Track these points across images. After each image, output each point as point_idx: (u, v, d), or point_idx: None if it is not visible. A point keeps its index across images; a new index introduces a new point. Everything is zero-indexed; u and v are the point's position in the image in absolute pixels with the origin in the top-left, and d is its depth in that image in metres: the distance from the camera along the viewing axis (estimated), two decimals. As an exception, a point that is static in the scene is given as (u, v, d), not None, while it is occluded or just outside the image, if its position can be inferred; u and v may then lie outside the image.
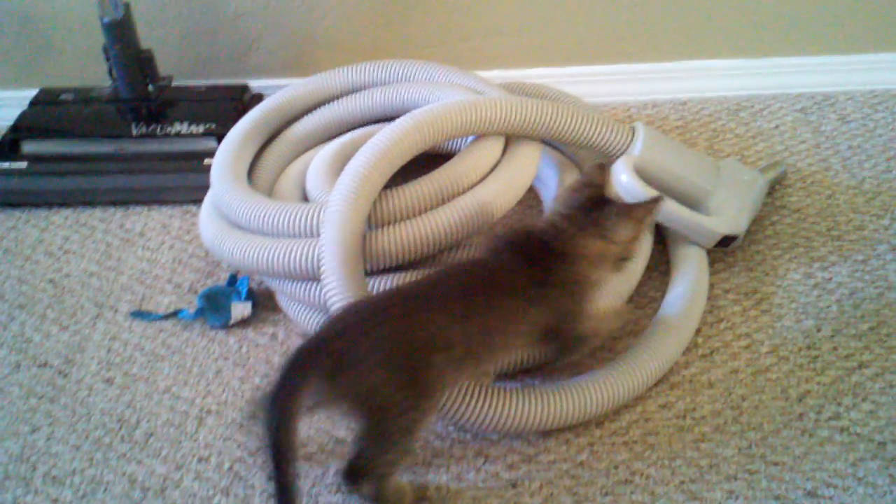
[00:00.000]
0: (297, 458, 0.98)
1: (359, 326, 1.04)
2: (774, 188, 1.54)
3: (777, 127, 1.70)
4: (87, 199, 1.63)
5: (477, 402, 1.12)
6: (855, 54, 1.79)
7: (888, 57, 1.78)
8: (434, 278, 1.13)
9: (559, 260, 1.11)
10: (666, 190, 1.37)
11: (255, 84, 1.81)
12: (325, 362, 1.01)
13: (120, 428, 1.24)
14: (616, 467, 1.14)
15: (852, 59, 1.79)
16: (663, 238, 1.45)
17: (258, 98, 1.73)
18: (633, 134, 1.39)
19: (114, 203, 1.63)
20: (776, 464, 1.12)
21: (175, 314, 1.39)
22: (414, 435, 1.05)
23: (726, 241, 1.39)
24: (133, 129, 1.64)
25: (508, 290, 1.09)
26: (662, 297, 1.36)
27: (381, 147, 1.24)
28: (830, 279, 1.37)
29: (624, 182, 1.34)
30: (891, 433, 1.15)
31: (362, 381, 1.01)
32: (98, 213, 1.62)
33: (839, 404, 1.19)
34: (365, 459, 1.05)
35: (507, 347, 1.14)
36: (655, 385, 1.22)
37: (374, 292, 1.20)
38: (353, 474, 1.06)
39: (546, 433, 1.18)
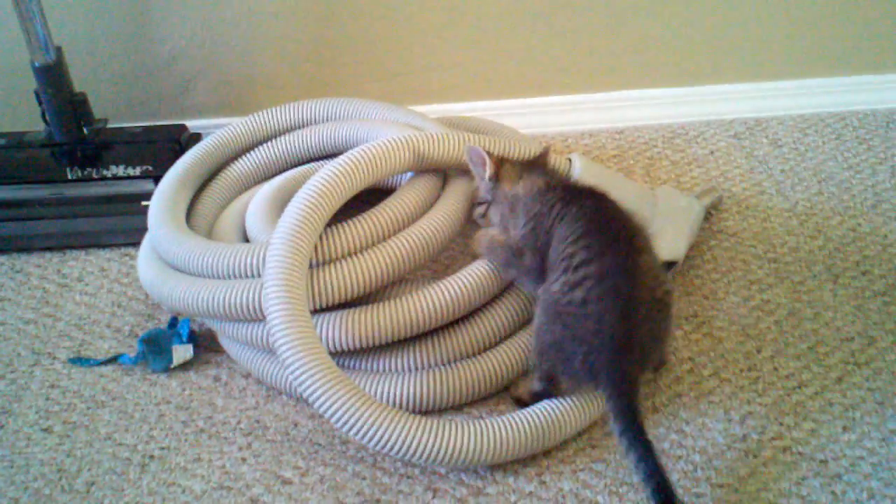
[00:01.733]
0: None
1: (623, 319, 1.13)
2: (711, 213, 1.57)
3: (712, 153, 1.74)
4: (22, 245, 1.60)
5: (425, 435, 1.12)
6: (784, 80, 1.84)
7: (816, 82, 1.83)
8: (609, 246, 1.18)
9: None
10: (605, 218, 1.38)
11: (193, 124, 1.80)
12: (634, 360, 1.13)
13: (60, 478, 1.20)
14: (564, 496, 1.14)
15: (781, 85, 1.84)
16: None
17: (196, 138, 1.71)
18: (570, 165, 1.40)
19: (50, 248, 1.60)
20: (721, 486, 1.13)
21: (115, 359, 1.37)
22: None
23: (666, 267, 1.40)
24: (68, 172, 1.62)
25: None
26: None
27: (321, 187, 1.24)
28: (769, 301, 1.39)
29: (563, 211, 1.36)
30: (831, 451, 1.16)
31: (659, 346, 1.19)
32: (34, 258, 1.59)
33: (781, 424, 1.20)
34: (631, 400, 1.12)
35: None
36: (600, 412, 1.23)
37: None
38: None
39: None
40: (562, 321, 1.15)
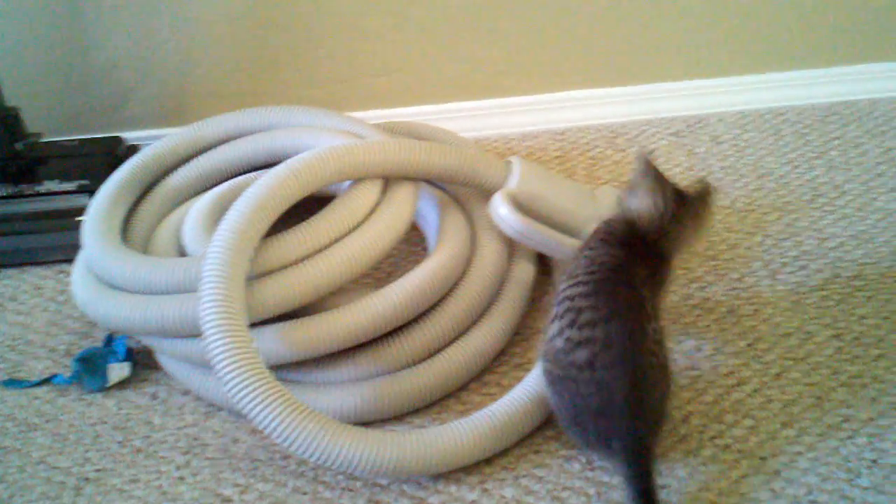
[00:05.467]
0: None
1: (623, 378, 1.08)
2: (651, 212, 1.57)
3: (652, 151, 1.74)
4: (-47, 266, 1.57)
5: (366, 447, 1.11)
6: (722, 77, 1.85)
7: (753, 78, 1.85)
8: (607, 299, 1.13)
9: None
10: (545, 219, 1.38)
11: (131, 136, 1.78)
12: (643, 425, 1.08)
13: (-8, 505, 1.18)
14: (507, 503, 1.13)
15: (720, 82, 1.85)
16: (548, 269, 1.46)
17: (133, 150, 1.69)
18: (509, 168, 1.40)
19: (-18, 268, 1.57)
20: (662, 487, 1.13)
21: (49, 380, 1.34)
22: None
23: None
24: (1, 189, 1.59)
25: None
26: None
27: (258, 198, 1.23)
28: (709, 299, 1.40)
29: (502, 215, 1.35)
30: (770, 448, 1.17)
31: (659, 408, 1.11)
32: (-34, 279, 1.56)
33: (721, 422, 1.21)
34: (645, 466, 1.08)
35: None
36: (542, 416, 1.23)
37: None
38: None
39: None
40: (567, 387, 1.10)
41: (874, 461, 1.14)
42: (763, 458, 1.16)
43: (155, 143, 1.53)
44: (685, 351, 1.32)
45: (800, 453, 1.16)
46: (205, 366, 1.26)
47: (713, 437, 1.19)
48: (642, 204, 1.21)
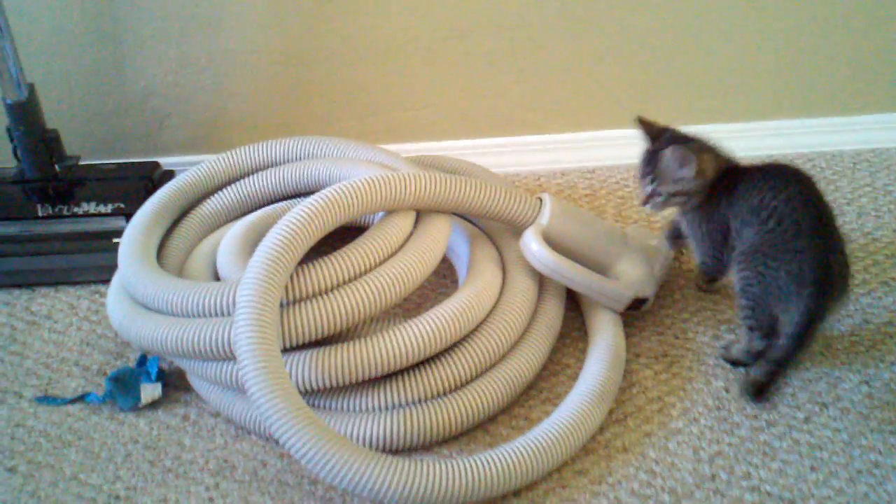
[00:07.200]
0: None
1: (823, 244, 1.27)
2: (682, 252, 1.58)
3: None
4: (-9, 282, 1.59)
5: (395, 476, 1.11)
6: (750, 121, 1.87)
7: (783, 123, 1.87)
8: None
9: None
10: (575, 256, 1.40)
11: (166, 161, 1.80)
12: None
13: (23, 519, 1.19)
14: (534, 537, 1.14)
15: (748, 126, 1.87)
16: (577, 304, 1.47)
17: (169, 175, 1.71)
18: (540, 204, 1.42)
19: (19, 285, 1.59)
20: (692, 527, 1.13)
21: (82, 398, 1.36)
22: None
23: (637, 304, 1.41)
24: (39, 209, 1.61)
25: None
26: (577, 363, 1.37)
27: (294, 226, 1.24)
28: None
29: (534, 250, 1.37)
30: (799, 490, 1.17)
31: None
32: (2, 295, 1.58)
33: (749, 463, 1.21)
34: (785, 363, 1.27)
35: None
36: (570, 451, 1.23)
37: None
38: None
39: (464, 505, 1.17)
40: (762, 256, 1.27)
41: (904, 507, 1.14)
42: (791, 501, 1.15)
43: (191, 169, 1.56)
44: (713, 392, 1.32)
45: (829, 497, 1.16)
46: (236, 389, 1.28)
47: (741, 478, 1.19)
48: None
